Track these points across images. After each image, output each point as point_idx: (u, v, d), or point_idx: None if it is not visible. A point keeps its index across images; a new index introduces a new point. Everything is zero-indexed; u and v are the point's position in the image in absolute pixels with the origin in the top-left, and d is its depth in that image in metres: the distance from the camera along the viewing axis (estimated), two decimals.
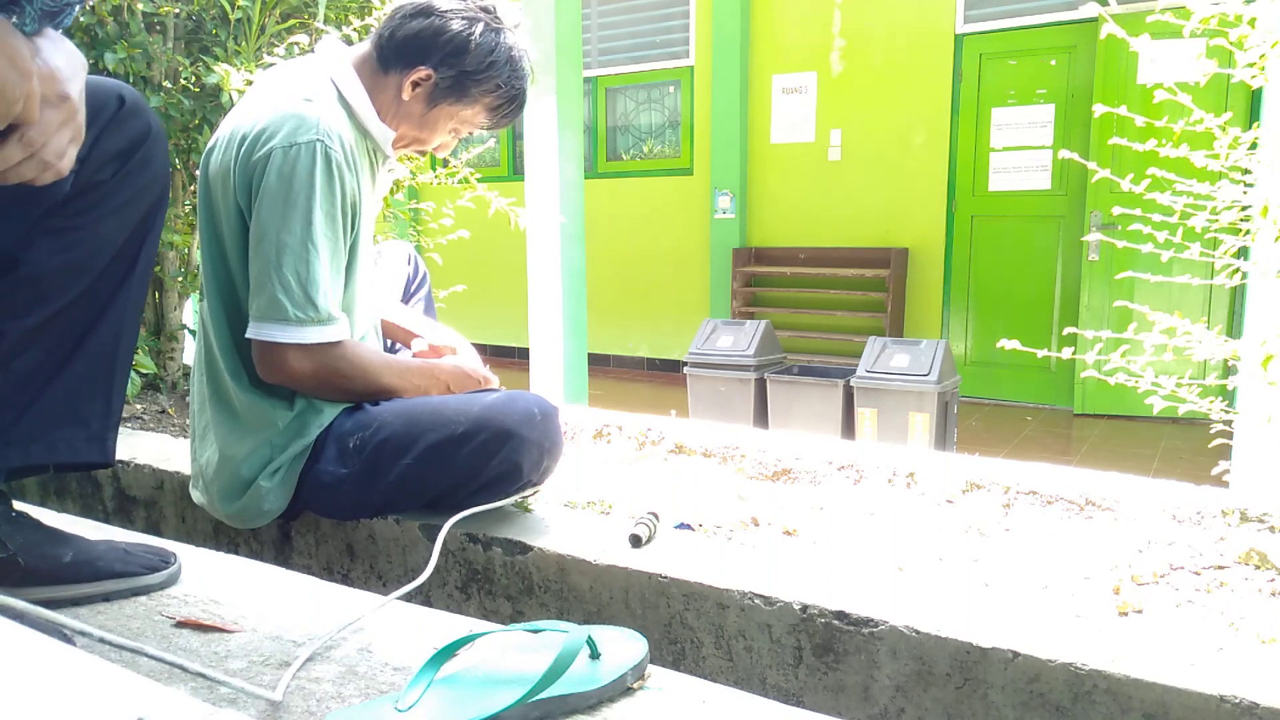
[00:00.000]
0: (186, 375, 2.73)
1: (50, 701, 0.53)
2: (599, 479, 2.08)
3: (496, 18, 1.52)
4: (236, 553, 1.71)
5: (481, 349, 1.89)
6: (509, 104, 1.58)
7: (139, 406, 2.51)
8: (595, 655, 0.96)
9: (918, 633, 1.13)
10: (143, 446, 2.01)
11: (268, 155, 1.36)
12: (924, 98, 5.82)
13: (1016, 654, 1.07)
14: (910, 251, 5.98)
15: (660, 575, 1.31)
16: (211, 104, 2.43)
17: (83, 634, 0.83)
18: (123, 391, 1.21)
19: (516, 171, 7.41)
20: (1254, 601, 1.39)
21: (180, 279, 2.66)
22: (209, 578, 1.25)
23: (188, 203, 2.65)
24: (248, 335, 1.41)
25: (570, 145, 4.23)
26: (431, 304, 1.98)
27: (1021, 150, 5.56)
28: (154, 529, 1.87)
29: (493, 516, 1.49)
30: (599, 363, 6.69)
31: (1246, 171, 1.59)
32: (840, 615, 1.17)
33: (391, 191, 2.71)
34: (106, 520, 1.92)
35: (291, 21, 2.53)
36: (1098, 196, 5.11)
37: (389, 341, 1.81)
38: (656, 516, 1.48)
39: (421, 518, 1.50)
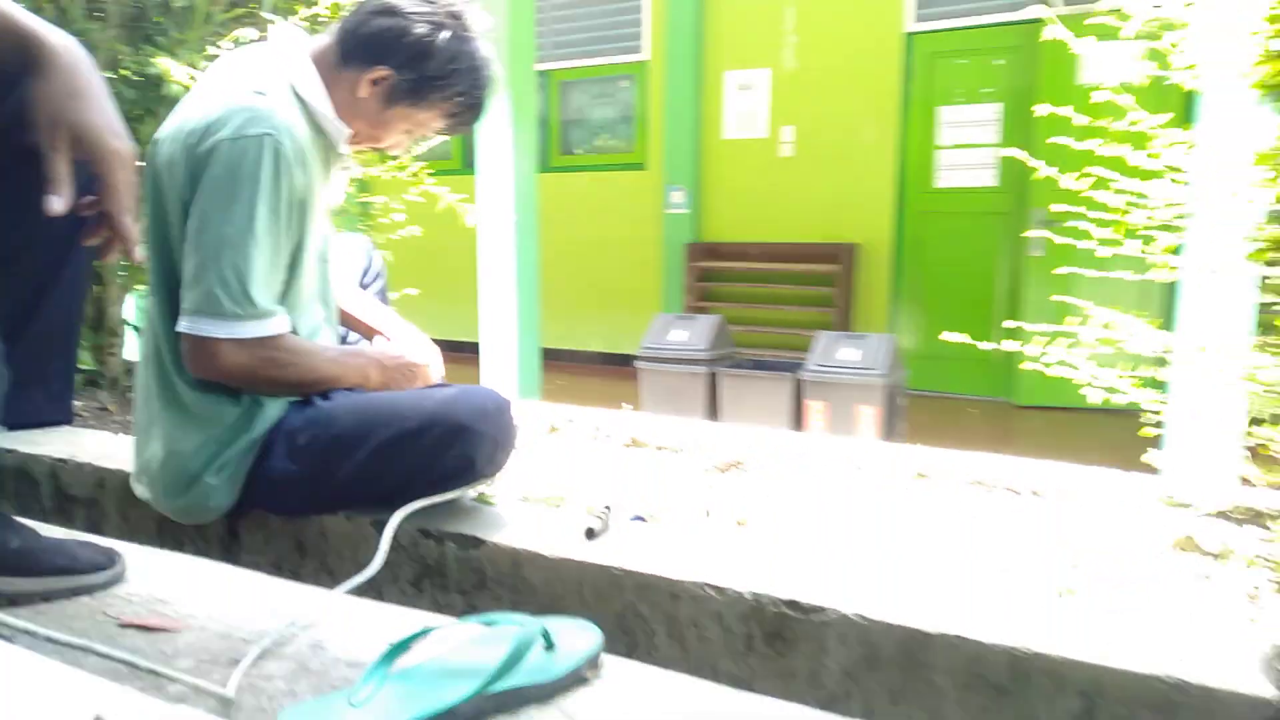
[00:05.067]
0: (128, 371, 2.67)
1: (5, 700, 0.52)
2: (553, 472, 2.08)
3: (464, 25, 1.51)
4: (182, 550, 1.68)
5: (434, 343, 1.88)
6: (467, 112, 1.56)
7: (79, 403, 2.45)
8: (550, 647, 0.96)
9: (866, 619, 1.15)
10: (83, 444, 1.97)
11: (214, 147, 1.33)
12: (874, 95, 5.90)
13: (960, 638, 1.10)
14: (860, 247, 6.06)
15: (614, 567, 1.31)
16: (155, 94, 2.38)
17: (28, 633, 0.81)
18: (76, 349, 1.18)
19: (468, 165, 7.33)
20: (1185, 584, 1.44)
21: (122, 274, 2.60)
22: (154, 577, 1.23)
23: None
24: (179, 329, 1.37)
25: (523, 139, 4.21)
26: (385, 297, 1.96)
27: (968, 148, 5.67)
28: (95, 528, 1.83)
29: (446, 511, 1.49)
30: (551, 357, 6.65)
31: (1181, 170, 1.65)
32: (791, 604, 1.19)
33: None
34: (45, 520, 1.87)
35: (238, 11, 2.48)
36: (1040, 194, 5.22)
37: (345, 332, 1.79)
38: (610, 509, 1.49)
39: (374, 513, 1.49)
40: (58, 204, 0.85)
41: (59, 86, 0.88)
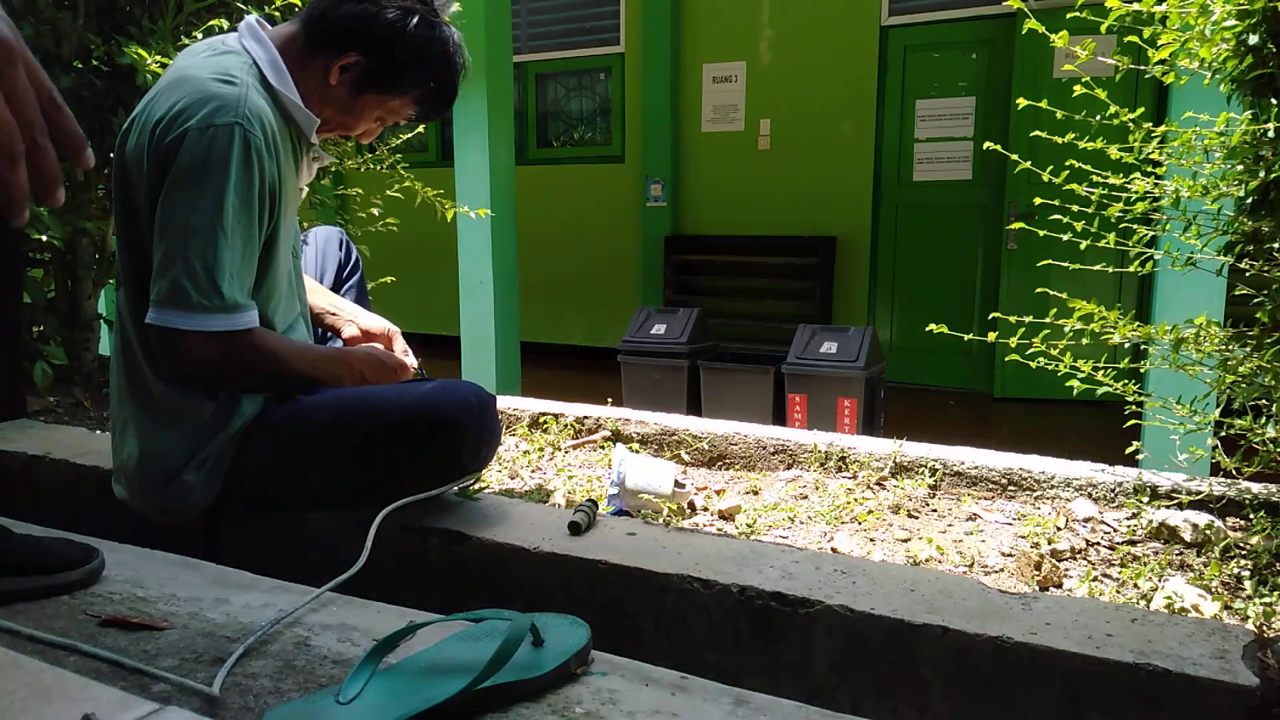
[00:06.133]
0: (102, 367, 2.63)
1: None
2: (536, 467, 2.07)
3: (433, 10, 1.49)
4: (162, 548, 1.66)
5: (411, 337, 1.87)
6: (438, 99, 1.55)
7: (52, 399, 2.41)
8: (538, 642, 0.96)
9: (852, 612, 1.16)
10: (58, 440, 1.94)
11: (182, 136, 1.30)
12: (851, 88, 5.91)
13: (946, 629, 1.10)
14: (838, 240, 6.08)
15: (599, 562, 1.31)
16: (125, 85, 2.34)
17: (9, 632, 0.79)
18: (17, 339, 1.11)
19: (445, 157, 7.29)
20: (1164, 573, 1.46)
21: (94, 267, 2.56)
22: (134, 574, 1.21)
23: (100, 187, 2.55)
24: (147, 321, 1.33)
25: (500, 131, 4.19)
26: (364, 289, 1.94)
27: (944, 141, 5.70)
28: (71, 526, 1.80)
29: (430, 507, 1.48)
30: (531, 351, 6.66)
31: (1158, 165, 1.67)
32: (777, 596, 1.20)
33: (317, 178, 2.65)
34: (20, 519, 1.84)
35: (210, 0, 2.44)
36: (1016, 187, 5.27)
37: (319, 330, 1.77)
38: (595, 504, 1.49)
39: (357, 510, 1.48)
40: None
41: None
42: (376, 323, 1.74)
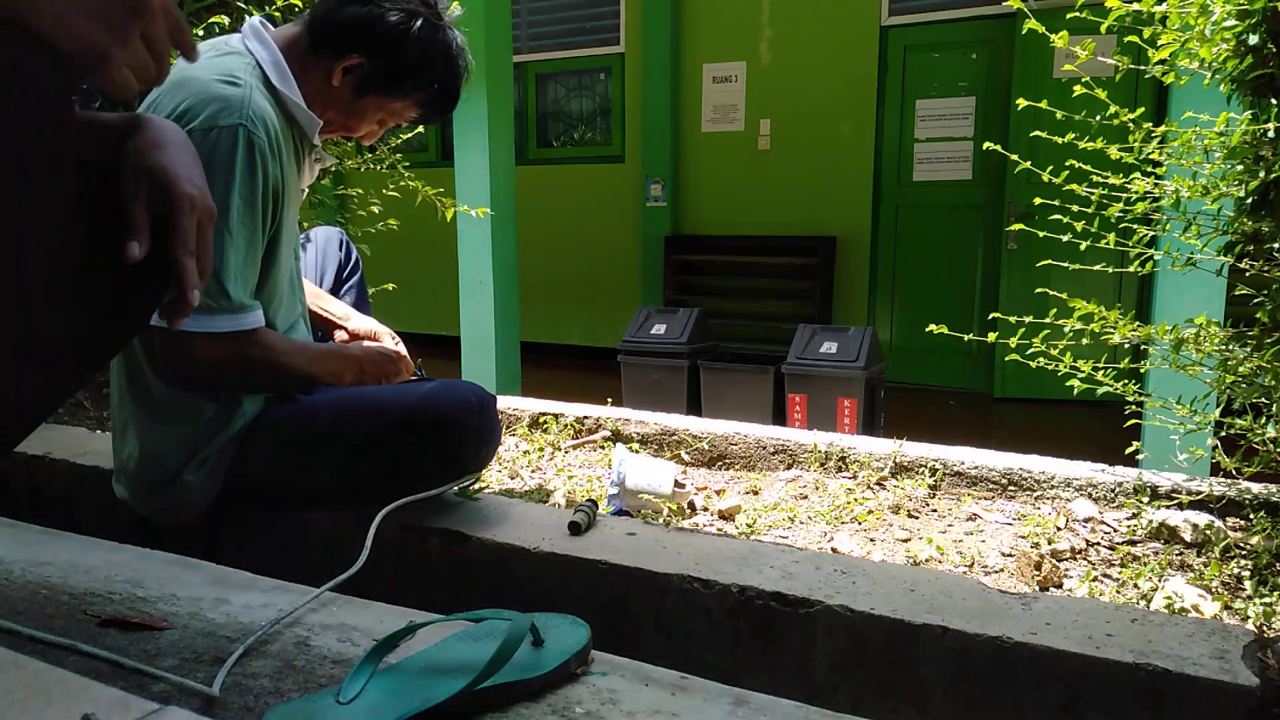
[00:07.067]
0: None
1: None
2: (536, 467, 2.07)
3: (437, 13, 1.49)
4: (163, 549, 1.65)
5: (411, 337, 1.87)
6: (441, 101, 1.55)
7: None
8: (538, 642, 0.96)
9: (852, 612, 1.16)
10: (57, 440, 1.94)
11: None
12: (851, 88, 5.91)
13: (946, 629, 1.10)
14: (838, 240, 6.08)
15: (599, 562, 1.31)
16: None
17: (10, 632, 0.79)
18: None
19: (445, 157, 7.29)
20: (1164, 573, 1.46)
21: None
22: (134, 574, 1.21)
23: None
24: (152, 323, 1.34)
25: (500, 131, 4.19)
26: (364, 289, 1.94)
27: (944, 141, 5.70)
28: (71, 526, 1.79)
29: (430, 507, 1.48)
30: (531, 351, 6.67)
31: (1158, 165, 1.67)
32: (777, 597, 1.20)
33: (318, 178, 2.65)
34: (18, 519, 1.84)
35: None
36: (1016, 187, 5.27)
37: (315, 332, 1.77)
38: (595, 504, 1.49)
39: (356, 510, 1.48)
40: (135, 250, 0.83)
41: (145, 139, 0.88)
42: (364, 324, 1.74)
